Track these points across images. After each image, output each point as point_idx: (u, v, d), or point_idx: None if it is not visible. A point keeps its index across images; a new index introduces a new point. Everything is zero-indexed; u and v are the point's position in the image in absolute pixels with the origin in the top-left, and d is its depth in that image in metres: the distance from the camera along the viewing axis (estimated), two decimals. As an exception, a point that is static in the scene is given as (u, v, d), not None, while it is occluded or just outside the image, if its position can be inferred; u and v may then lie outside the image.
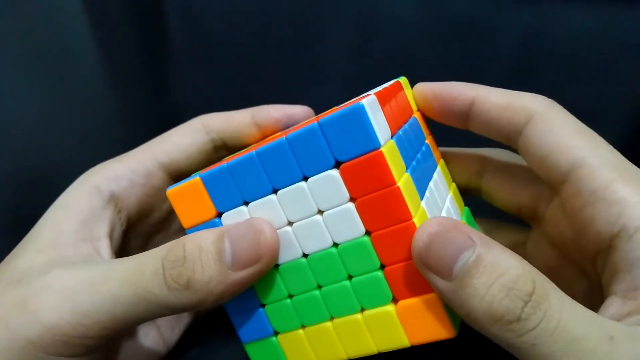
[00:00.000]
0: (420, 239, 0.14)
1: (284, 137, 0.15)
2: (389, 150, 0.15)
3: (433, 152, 0.19)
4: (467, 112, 0.17)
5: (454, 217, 0.18)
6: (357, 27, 0.43)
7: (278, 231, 0.16)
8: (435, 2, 0.43)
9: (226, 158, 0.18)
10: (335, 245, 0.16)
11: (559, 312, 0.13)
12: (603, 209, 0.15)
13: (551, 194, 0.18)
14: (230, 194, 0.16)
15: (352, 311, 0.16)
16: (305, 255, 0.16)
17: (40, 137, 0.37)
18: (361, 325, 0.16)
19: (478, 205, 0.21)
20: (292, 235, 0.16)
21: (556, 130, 0.16)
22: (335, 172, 0.15)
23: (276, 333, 0.18)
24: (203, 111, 0.22)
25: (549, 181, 0.17)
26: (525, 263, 0.13)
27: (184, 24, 0.48)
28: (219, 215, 0.17)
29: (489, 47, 0.39)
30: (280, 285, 0.17)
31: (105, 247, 0.18)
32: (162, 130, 0.21)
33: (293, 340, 0.17)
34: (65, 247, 0.17)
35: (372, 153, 0.14)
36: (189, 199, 0.17)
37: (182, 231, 0.23)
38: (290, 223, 0.16)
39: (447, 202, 0.18)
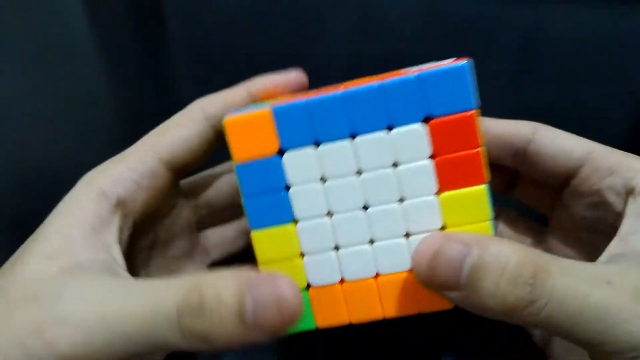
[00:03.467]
0: (421, 266, 0.15)
1: (375, 83, 0.15)
2: (478, 113, 0.15)
3: None
4: None
5: None
6: (358, 27, 0.43)
7: (344, 180, 0.16)
8: (436, 2, 0.43)
9: (290, 95, 0.17)
10: (401, 199, 0.16)
11: (563, 279, 0.14)
12: (620, 176, 0.18)
13: (555, 196, 0.21)
14: (302, 131, 0.16)
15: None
16: (365, 208, 0.16)
17: (40, 137, 0.37)
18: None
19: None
20: (357, 185, 0.16)
21: (561, 134, 0.19)
22: (423, 127, 0.15)
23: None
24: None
25: (562, 171, 0.19)
26: (520, 246, 0.15)
27: (184, 24, 0.48)
28: (281, 153, 0.16)
29: (489, 47, 0.39)
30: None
31: (118, 254, 0.18)
32: (162, 131, 0.21)
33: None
34: (78, 254, 0.17)
35: (467, 113, 0.15)
36: (250, 131, 0.16)
37: (189, 228, 0.23)
38: (359, 172, 0.16)
39: None
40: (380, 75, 0.18)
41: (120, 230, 0.18)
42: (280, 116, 0.15)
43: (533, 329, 0.15)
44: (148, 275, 0.22)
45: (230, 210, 0.24)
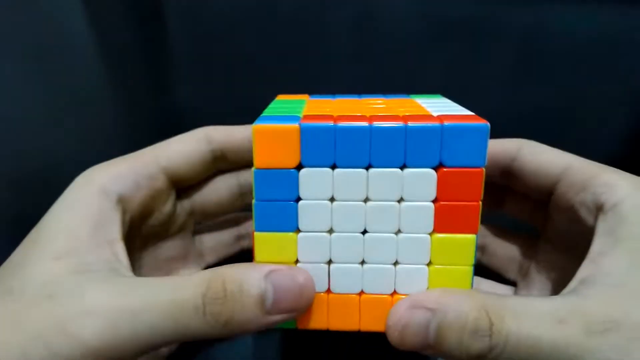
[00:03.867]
0: (394, 337, 0.16)
1: (402, 123, 0.16)
2: (484, 170, 0.16)
3: None
4: None
5: None
6: (358, 27, 0.43)
7: (351, 204, 0.17)
8: (436, 2, 0.43)
9: (316, 114, 0.18)
10: (398, 232, 0.17)
11: (516, 325, 0.15)
12: (591, 191, 0.18)
13: (542, 209, 0.21)
14: (324, 152, 0.17)
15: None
16: (363, 232, 0.17)
17: (40, 137, 0.37)
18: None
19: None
20: (362, 211, 0.17)
21: (543, 149, 0.20)
22: (434, 172, 0.16)
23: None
24: (203, 112, 0.22)
25: (544, 187, 0.20)
26: (477, 299, 0.16)
27: (184, 24, 0.48)
28: (299, 167, 0.17)
29: (489, 47, 0.39)
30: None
31: (121, 252, 0.18)
32: (163, 131, 0.21)
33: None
34: (84, 254, 0.17)
35: (476, 169, 0.16)
36: (275, 141, 0.17)
37: (182, 233, 0.23)
38: (366, 200, 0.17)
39: None
40: (401, 102, 0.20)
41: (123, 227, 0.19)
42: (307, 134, 0.16)
43: None
44: (140, 274, 0.22)
45: (225, 215, 0.25)
